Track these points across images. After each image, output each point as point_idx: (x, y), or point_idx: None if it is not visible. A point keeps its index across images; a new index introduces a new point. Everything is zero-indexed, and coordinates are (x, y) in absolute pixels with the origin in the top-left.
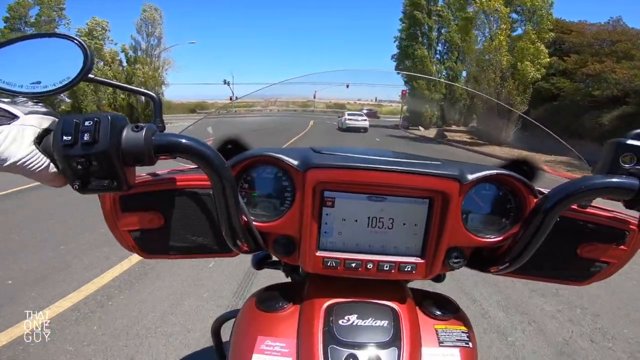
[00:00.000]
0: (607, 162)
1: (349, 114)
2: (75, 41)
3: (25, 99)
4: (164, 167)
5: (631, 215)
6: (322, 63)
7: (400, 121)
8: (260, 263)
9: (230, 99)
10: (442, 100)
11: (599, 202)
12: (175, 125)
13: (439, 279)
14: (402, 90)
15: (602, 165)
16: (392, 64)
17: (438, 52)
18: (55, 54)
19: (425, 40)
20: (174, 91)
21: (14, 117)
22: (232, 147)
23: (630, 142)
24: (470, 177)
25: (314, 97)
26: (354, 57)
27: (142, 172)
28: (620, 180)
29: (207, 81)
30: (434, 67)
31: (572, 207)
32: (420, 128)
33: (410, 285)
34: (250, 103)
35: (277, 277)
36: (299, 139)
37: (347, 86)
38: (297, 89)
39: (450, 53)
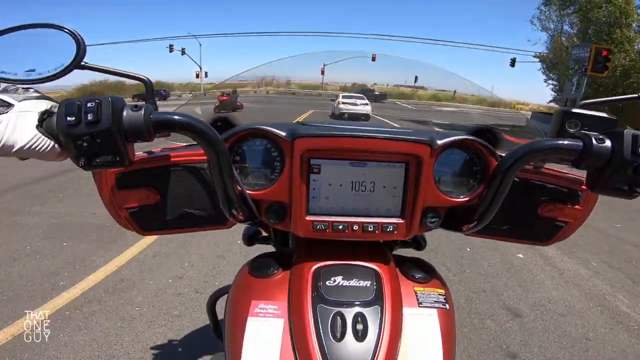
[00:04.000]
0: (555, 127)
1: (344, 97)
2: (66, 30)
3: (15, 86)
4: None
5: (581, 175)
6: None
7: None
8: (251, 239)
9: (197, 75)
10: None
11: (558, 167)
12: None
13: (419, 245)
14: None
15: (551, 131)
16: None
17: None
18: (48, 43)
19: None
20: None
21: (10, 105)
22: (222, 124)
23: (575, 110)
24: (439, 142)
25: (322, 73)
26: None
27: (137, 151)
28: (565, 142)
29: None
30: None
31: (529, 169)
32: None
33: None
34: (242, 84)
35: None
36: None
37: (374, 58)
38: (303, 67)
39: None
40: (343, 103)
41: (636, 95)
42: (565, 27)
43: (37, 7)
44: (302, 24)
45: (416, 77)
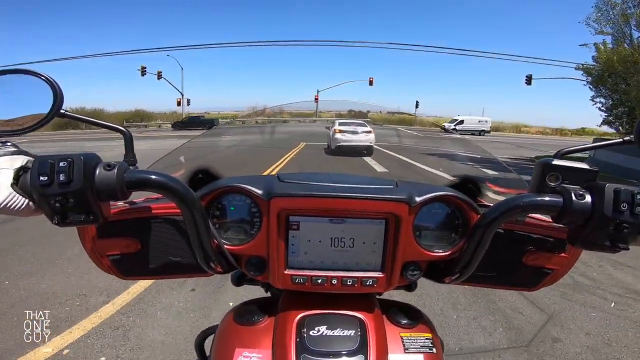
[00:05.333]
0: (536, 181)
1: (341, 124)
2: (42, 77)
3: None
4: (141, 195)
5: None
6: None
7: None
8: (239, 280)
9: (179, 103)
10: None
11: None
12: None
13: (409, 288)
14: None
15: (532, 184)
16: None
17: None
18: (24, 90)
19: None
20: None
21: None
22: (203, 176)
23: (555, 162)
24: (418, 199)
25: (316, 101)
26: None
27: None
28: (544, 199)
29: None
30: None
31: (513, 221)
32: None
33: (385, 296)
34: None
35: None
36: None
37: (371, 82)
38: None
39: None
40: (340, 132)
41: (621, 139)
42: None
43: None
44: (305, 32)
45: (417, 103)
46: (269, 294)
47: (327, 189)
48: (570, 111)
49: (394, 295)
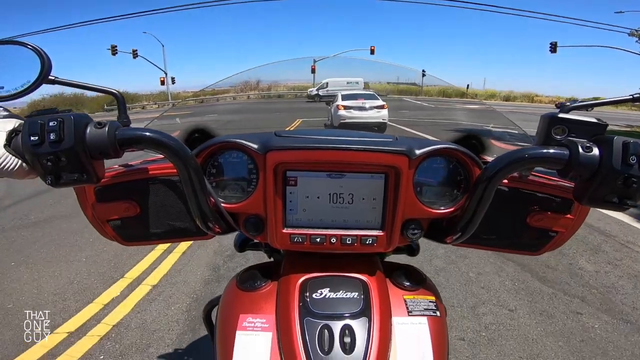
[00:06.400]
0: (542, 135)
1: (344, 97)
2: (29, 46)
3: None
4: (137, 158)
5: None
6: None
7: None
8: (242, 245)
9: (162, 81)
10: None
11: (547, 173)
12: None
13: (412, 252)
14: None
15: (538, 138)
16: None
17: None
18: (12, 60)
19: None
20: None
21: None
22: (199, 135)
23: (561, 115)
24: (418, 152)
25: (313, 72)
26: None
27: (115, 164)
28: (550, 151)
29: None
30: None
31: (517, 177)
32: None
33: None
34: (221, 91)
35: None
36: None
37: (372, 51)
38: (292, 70)
39: None
40: (344, 108)
41: (630, 96)
42: None
43: None
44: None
45: (424, 72)
46: (272, 260)
47: (324, 142)
48: (582, 81)
49: (396, 261)
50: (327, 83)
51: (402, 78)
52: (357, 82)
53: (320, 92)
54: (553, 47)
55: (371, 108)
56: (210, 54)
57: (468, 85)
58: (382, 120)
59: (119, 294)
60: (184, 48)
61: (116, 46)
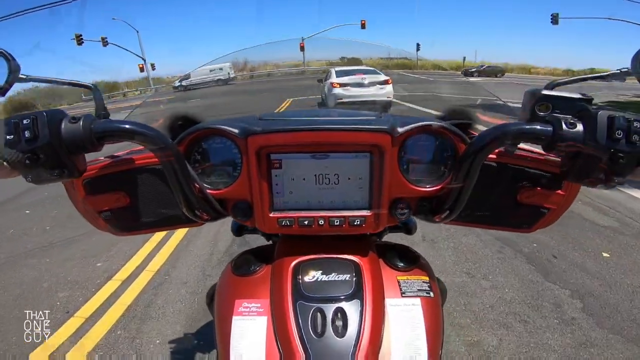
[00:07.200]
0: (526, 111)
1: (338, 73)
2: None
3: None
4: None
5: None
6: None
7: None
8: (239, 230)
9: (142, 69)
10: None
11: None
12: None
13: (409, 230)
14: None
15: (522, 114)
16: None
17: None
18: None
19: None
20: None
21: None
22: (182, 122)
23: (545, 92)
24: (401, 129)
25: (302, 49)
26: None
27: (100, 156)
28: (533, 126)
29: None
30: None
31: (504, 153)
32: None
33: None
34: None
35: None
36: None
37: (363, 25)
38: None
39: None
40: (341, 85)
41: (617, 70)
42: None
43: None
44: None
45: (418, 45)
46: (270, 243)
47: (304, 123)
48: (578, 52)
49: (394, 240)
50: (190, 74)
51: (393, 53)
52: (220, 69)
53: (184, 83)
54: (554, 19)
55: (372, 84)
56: (192, 37)
57: (464, 58)
58: (387, 99)
59: None
60: (163, 34)
61: (81, 35)
